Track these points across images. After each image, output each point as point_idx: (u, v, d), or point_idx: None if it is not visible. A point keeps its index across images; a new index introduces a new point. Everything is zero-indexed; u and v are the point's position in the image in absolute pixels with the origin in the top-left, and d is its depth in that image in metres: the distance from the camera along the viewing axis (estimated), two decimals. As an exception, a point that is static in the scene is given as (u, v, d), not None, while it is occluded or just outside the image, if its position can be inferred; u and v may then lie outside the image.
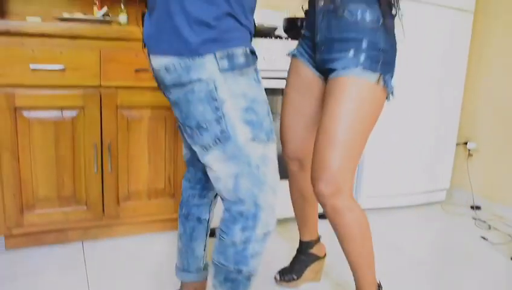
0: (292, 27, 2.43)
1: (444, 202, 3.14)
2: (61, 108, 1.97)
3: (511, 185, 2.87)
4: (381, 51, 1.31)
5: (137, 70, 2.02)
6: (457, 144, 3.10)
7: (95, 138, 2.04)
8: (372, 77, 1.31)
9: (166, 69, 1.12)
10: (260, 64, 2.10)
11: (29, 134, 1.94)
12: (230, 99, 1.11)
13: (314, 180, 1.40)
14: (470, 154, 3.13)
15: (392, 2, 1.35)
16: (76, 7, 2.45)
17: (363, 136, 1.37)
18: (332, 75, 1.37)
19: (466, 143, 3.13)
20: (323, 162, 1.35)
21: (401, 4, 1.37)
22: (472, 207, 3.03)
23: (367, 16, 1.29)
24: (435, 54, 2.76)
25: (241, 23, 1.13)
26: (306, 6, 1.53)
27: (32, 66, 1.86)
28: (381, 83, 1.32)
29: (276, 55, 2.22)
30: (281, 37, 2.39)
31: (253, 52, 1.17)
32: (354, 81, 1.30)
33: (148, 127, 2.14)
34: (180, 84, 1.12)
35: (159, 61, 1.14)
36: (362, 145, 1.39)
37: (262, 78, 1.85)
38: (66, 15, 2.10)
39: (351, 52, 1.31)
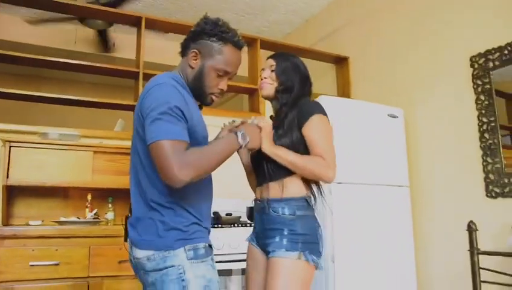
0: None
1: None
2: (53, 299, 2.26)
3: None
4: (299, 235, 1.77)
5: (120, 262, 2.39)
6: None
7: (80, 325, 2.29)
8: (293, 255, 1.73)
9: (148, 259, 1.51)
10: (226, 249, 2.53)
11: (21, 325, 2.20)
12: (194, 279, 1.48)
13: None
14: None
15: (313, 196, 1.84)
16: (70, 208, 2.90)
17: None
18: (268, 256, 1.80)
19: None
20: None
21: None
22: None
23: (286, 211, 1.79)
24: (381, 224, 3.16)
25: (202, 227, 1.58)
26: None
27: (31, 263, 2.22)
28: (302, 258, 1.73)
29: (239, 241, 2.61)
30: (245, 225, 2.82)
31: (210, 246, 1.59)
32: (281, 260, 1.74)
33: (128, 310, 2.41)
34: (158, 269, 1.49)
35: (143, 253, 1.53)
36: None
37: (229, 261, 2.46)
38: (62, 219, 2.55)
39: (277, 238, 1.77)
